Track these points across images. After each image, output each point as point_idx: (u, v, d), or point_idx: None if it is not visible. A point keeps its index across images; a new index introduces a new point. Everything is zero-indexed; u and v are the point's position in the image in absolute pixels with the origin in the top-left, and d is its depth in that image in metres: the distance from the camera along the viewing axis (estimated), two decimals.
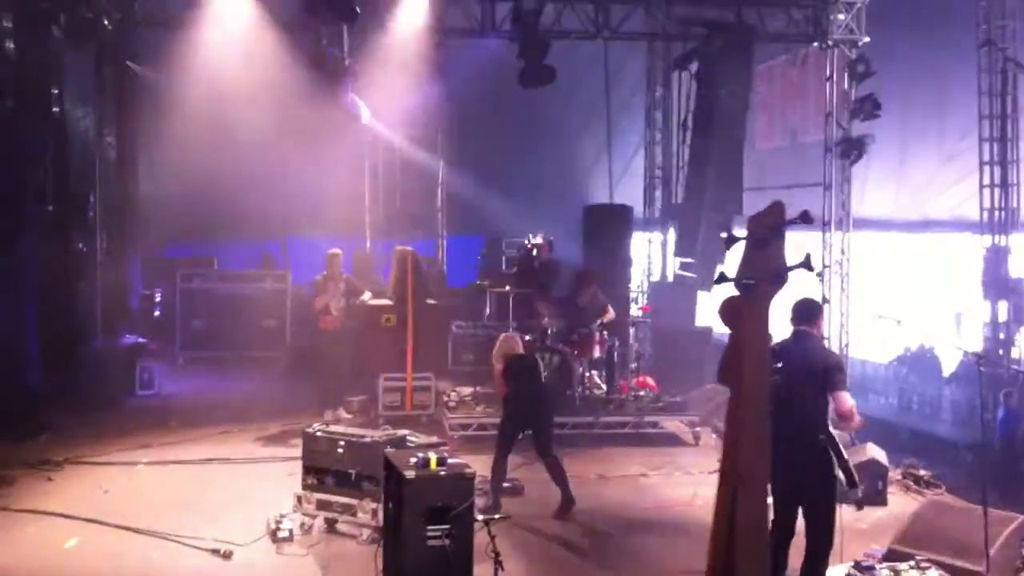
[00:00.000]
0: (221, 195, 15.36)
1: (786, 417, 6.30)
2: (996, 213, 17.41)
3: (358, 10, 12.65)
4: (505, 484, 10.21)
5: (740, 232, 3.95)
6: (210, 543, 8.68)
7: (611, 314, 13.61)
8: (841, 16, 14.17)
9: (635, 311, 16.45)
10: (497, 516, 7.41)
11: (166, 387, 15.21)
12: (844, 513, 10.18)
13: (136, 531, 9.05)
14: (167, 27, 13.97)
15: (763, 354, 3.74)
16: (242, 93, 13.84)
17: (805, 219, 3.92)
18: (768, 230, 3.73)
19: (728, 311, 3.96)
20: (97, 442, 12.13)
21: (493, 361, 11.37)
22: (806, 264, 3.80)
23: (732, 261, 4.11)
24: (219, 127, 14.37)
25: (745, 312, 3.77)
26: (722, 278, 3.89)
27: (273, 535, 8.89)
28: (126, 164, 15.88)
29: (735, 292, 3.82)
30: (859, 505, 7.57)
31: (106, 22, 13.75)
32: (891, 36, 16.98)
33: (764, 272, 3.75)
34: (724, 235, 3.82)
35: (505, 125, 19.23)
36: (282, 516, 9.08)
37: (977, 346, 16.08)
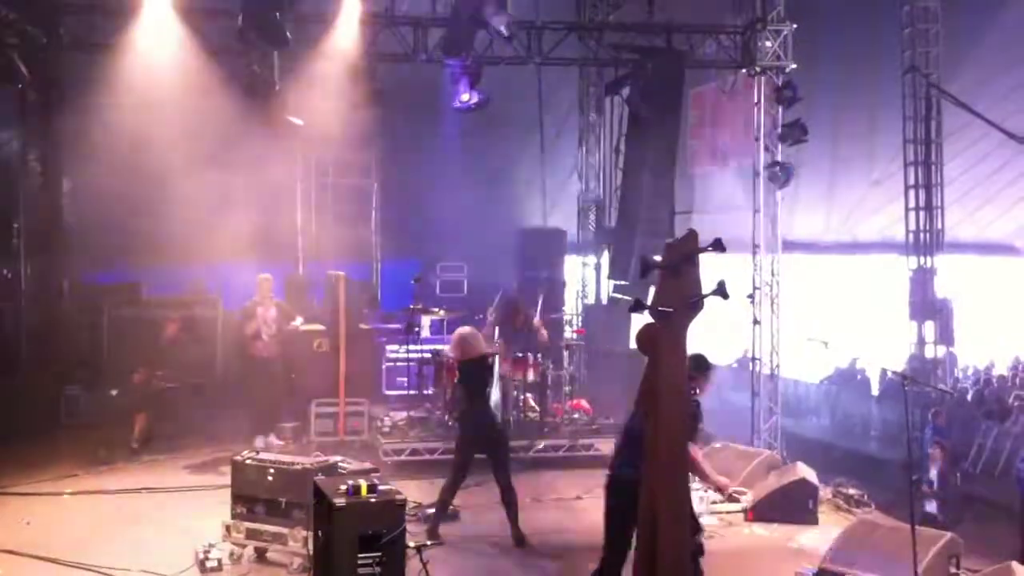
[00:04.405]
0: (149, 220, 15.12)
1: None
2: (922, 235, 17.82)
3: (289, 35, 12.60)
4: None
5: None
6: (137, 574, 8.50)
7: (543, 333, 13.87)
8: (768, 43, 14.38)
9: (569, 334, 16.50)
10: (429, 543, 7.39)
11: (93, 416, 14.91)
12: (775, 532, 10.35)
13: (60, 563, 8.84)
14: (94, 51, 13.76)
15: (679, 382, 3.75)
16: (171, 118, 13.66)
17: (717, 247, 3.93)
18: (681, 258, 3.74)
19: (645, 339, 3.97)
20: (21, 472, 11.87)
21: (450, 352, 10.96)
22: (720, 291, 3.81)
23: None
24: (147, 151, 14.16)
25: (661, 340, 3.78)
26: (638, 305, 3.89)
27: (201, 565, 8.74)
28: (52, 189, 15.60)
29: (652, 319, 3.83)
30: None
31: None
32: (821, 63, 17.34)
33: (679, 300, 3.76)
34: (640, 262, 3.82)
35: (439, 149, 19.23)
36: (211, 546, 8.94)
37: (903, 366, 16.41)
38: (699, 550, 7.48)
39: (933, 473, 12.96)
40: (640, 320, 4.12)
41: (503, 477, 9.91)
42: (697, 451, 7.55)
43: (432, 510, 10.08)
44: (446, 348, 13.76)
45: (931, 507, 12.69)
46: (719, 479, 7.69)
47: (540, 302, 14.36)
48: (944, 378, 17.54)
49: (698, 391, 7.64)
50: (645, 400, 3.89)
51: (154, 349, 12.84)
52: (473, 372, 10.10)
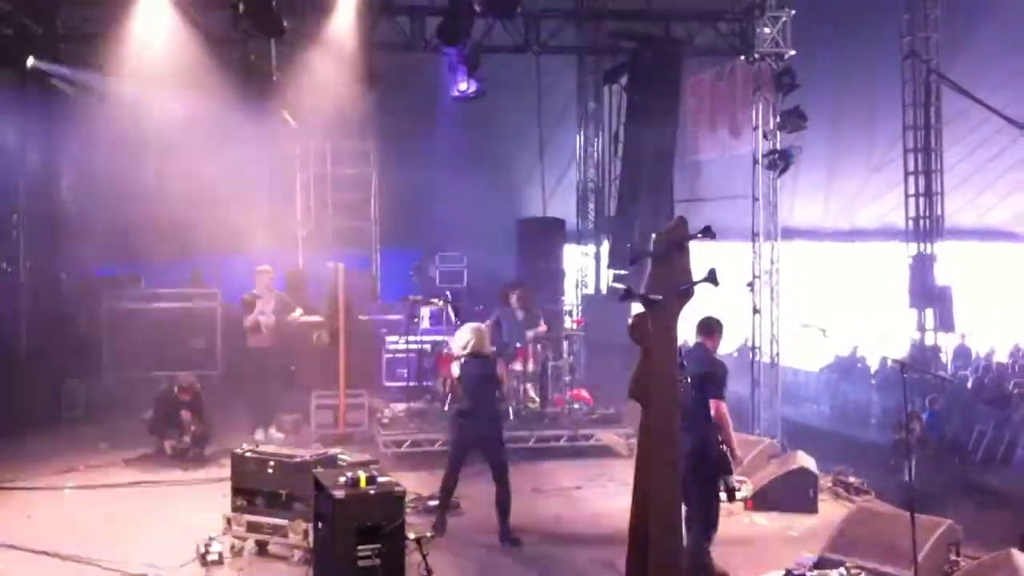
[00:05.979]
0: (148, 212, 15.10)
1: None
2: (921, 221, 17.83)
3: (285, 24, 12.55)
4: (435, 502, 10.11)
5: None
6: (137, 568, 8.49)
7: (543, 327, 13.74)
8: (767, 30, 14.32)
9: (569, 324, 16.48)
10: (428, 534, 7.39)
11: (93, 409, 14.90)
12: (775, 521, 10.35)
13: (61, 557, 8.82)
14: (90, 42, 13.72)
15: (671, 371, 3.72)
16: (168, 108, 13.61)
17: (707, 234, 3.91)
18: (671, 245, 3.71)
19: (637, 328, 3.95)
20: (21, 466, 11.84)
21: (454, 347, 10.52)
22: (711, 278, 3.78)
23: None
24: (144, 143, 14.13)
25: (652, 329, 3.76)
26: (628, 294, 3.86)
27: (202, 559, 8.72)
28: (51, 182, 15.55)
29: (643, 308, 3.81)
30: (730, 494, 7.97)
31: None
32: (819, 49, 17.28)
33: (669, 287, 3.74)
34: (630, 250, 3.80)
35: (438, 139, 19.19)
36: (211, 539, 8.90)
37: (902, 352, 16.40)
38: (730, 494, 7.97)
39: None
40: (639, 310, 4.10)
41: (498, 477, 9.80)
42: (724, 409, 8.10)
43: (432, 503, 10.08)
44: (449, 340, 13.77)
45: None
46: (735, 446, 8.21)
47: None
48: (947, 366, 17.57)
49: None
50: (637, 390, 3.87)
51: (171, 416, 12.72)
52: (471, 371, 9.87)
